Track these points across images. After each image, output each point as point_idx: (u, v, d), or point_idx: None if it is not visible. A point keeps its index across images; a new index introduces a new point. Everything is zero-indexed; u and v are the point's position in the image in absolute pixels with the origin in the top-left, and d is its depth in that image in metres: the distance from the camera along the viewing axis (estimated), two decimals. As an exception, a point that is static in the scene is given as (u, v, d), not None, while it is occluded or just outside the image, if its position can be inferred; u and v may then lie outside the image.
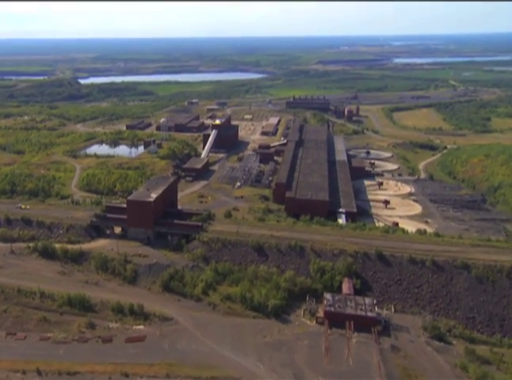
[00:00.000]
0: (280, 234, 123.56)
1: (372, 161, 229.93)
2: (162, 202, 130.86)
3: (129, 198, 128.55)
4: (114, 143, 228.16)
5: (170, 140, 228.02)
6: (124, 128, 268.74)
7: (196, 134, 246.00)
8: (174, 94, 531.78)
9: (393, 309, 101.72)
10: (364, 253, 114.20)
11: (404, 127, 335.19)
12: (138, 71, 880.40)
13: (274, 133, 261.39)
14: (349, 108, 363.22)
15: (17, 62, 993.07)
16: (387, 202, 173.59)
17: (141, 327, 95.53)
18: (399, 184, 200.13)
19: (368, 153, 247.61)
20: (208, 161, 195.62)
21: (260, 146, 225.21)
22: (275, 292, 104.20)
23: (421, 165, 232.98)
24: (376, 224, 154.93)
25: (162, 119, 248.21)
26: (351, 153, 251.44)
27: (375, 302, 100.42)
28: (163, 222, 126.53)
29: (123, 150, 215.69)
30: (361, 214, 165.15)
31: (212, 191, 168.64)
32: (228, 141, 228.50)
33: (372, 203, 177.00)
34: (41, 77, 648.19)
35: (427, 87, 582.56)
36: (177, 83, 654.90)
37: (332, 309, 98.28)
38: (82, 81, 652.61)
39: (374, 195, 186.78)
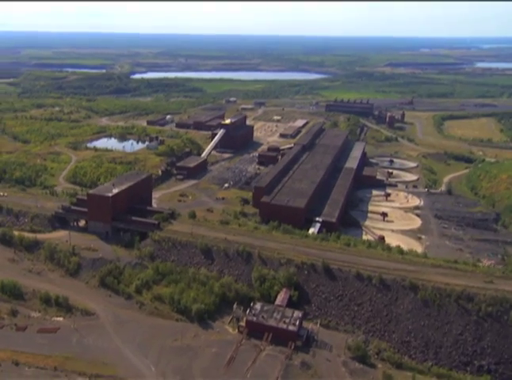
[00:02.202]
0: (235, 239, 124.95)
1: (390, 170, 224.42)
2: (126, 198, 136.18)
3: (90, 192, 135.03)
4: (121, 138, 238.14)
5: (176, 137, 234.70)
6: (145, 124, 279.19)
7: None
8: (223, 92, 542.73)
9: (318, 325, 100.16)
10: (311, 265, 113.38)
11: (449, 136, 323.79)
12: (197, 68, 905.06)
13: (294, 136, 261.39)
14: (391, 113, 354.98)
15: (81, 55, 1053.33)
16: (384, 214, 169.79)
17: (60, 319, 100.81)
18: (410, 196, 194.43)
19: (391, 161, 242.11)
20: (205, 160, 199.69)
21: (269, 149, 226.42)
22: (204, 296, 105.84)
23: (446, 178, 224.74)
24: (364, 237, 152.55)
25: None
26: (374, 161, 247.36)
27: (299, 315, 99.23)
28: (121, 218, 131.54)
29: (126, 145, 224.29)
30: (351, 225, 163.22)
31: (197, 191, 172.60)
32: (237, 141, 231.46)
33: (369, 215, 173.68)
34: (97, 71, 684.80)
35: (500, 95, 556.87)
36: (229, 81, 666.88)
37: (254, 319, 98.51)
38: (138, 76, 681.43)
39: (377, 206, 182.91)
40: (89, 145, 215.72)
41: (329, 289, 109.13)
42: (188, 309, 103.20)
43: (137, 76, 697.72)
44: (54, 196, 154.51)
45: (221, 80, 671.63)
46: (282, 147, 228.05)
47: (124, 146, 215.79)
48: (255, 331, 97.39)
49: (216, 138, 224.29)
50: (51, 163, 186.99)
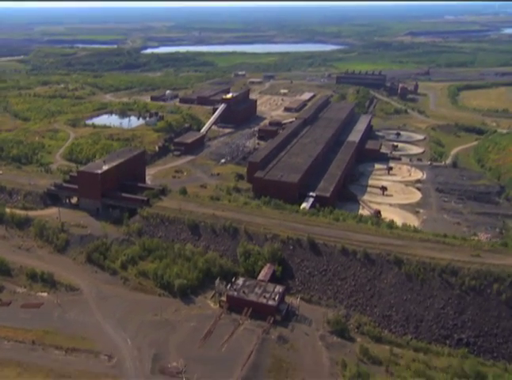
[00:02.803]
0: (223, 214, 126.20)
1: (395, 143, 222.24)
2: (116, 174, 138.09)
3: (80, 169, 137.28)
4: (122, 114, 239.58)
5: (177, 113, 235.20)
6: (149, 99, 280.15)
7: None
8: (234, 66, 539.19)
9: (298, 300, 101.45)
10: (296, 240, 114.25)
11: (463, 107, 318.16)
12: (210, 41, 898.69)
13: (298, 109, 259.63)
14: (402, 85, 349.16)
15: (94, 30, 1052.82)
16: (384, 188, 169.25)
17: (44, 294, 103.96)
18: (413, 169, 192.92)
19: (398, 134, 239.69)
20: (203, 136, 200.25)
21: (270, 123, 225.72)
22: (188, 272, 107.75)
23: (454, 151, 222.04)
24: (360, 211, 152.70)
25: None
26: (380, 134, 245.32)
27: (280, 290, 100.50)
28: (111, 195, 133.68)
29: (126, 122, 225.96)
30: (349, 199, 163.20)
31: (193, 167, 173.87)
32: (239, 116, 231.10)
33: (369, 189, 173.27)
34: (108, 46, 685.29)
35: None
36: (241, 54, 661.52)
37: (235, 294, 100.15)
38: (148, 51, 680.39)
39: (378, 180, 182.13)
40: (88, 122, 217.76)
41: (313, 264, 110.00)
42: (171, 284, 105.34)
43: (148, 51, 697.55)
44: (48, 174, 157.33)
45: (233, 53, 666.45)
46: (284, 121, 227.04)
47: (121, 123, 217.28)
48: (235, 306, 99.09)
49: (216, 113, 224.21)
50: (49, 140, 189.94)
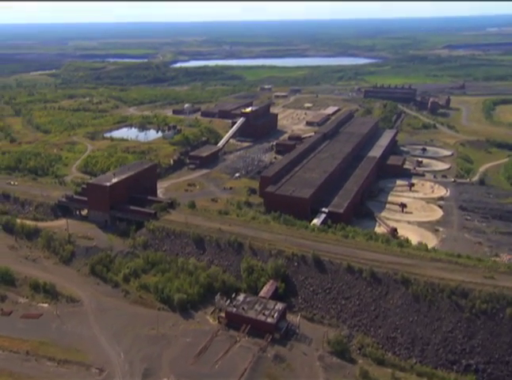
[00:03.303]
0: (229, 229, 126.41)
1: (420, 159, 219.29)
2: (126, 187, 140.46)
3: (89, 181, 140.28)
4: (141, 127, 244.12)
5: (195, 126, 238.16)
6: (171, 113, 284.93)
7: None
8: (262, 79, 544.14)
9: (299, 318, 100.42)
10: (301, 256, 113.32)
11: (497, 122, 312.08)
12: (240, 55, 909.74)
13: (321, 124, 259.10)
14: (433, 99, 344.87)
15: (126, 44, 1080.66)
16: (403, 205, 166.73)
17: (45, 305, 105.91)
18: (436, 186, 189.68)
19: (424, 150, 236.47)
20: (220, 149, 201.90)
21: (290, 137, 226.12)
22: (188, 286, 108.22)
23: (483, 167, 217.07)
24: (377, 228, 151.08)
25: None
26: (405, 149, 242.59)
27: (280, 307, 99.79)
28: (119, 207, 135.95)
29: (144, 135, 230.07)
30: (366, 216, 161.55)
31: (207, 181, 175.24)
32: (258, 130, 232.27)
33: (388, 206, 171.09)
34: (138, 60, 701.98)
35: None
36: (271, 68, 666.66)
37: (234, 310, 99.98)
38: (178, 65, 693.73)
39: (399, 196, 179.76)
40: (106, 135, 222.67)
41: (317, 281, 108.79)
42: (171, 298, 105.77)
43: (179, 65, 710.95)
44: (62, 186, 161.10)
45: (262, 67, 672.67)
46: (304, 136, 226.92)
47: (138, 136, 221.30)
48: (234, 322, 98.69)
49: (235, 127, 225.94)
50: (67, 153, 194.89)
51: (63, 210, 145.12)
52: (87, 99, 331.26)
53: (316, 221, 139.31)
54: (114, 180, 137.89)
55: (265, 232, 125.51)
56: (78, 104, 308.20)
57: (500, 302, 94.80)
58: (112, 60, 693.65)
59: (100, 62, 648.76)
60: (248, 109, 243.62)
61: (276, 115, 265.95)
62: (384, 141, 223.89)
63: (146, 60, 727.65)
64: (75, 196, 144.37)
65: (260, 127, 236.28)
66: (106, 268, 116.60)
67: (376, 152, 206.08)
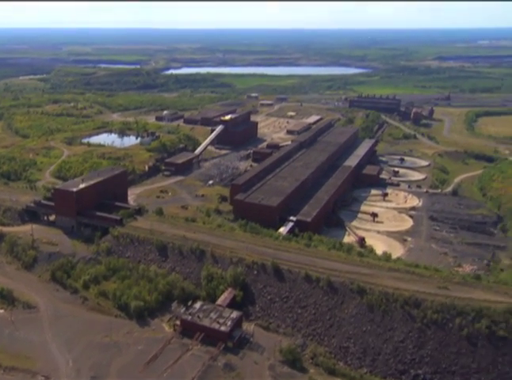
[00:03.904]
0: (194, 236, 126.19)
1: (396, 169, 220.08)
2: (93, 193, 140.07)
3: (56, 187, 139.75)
4: (121, 133, 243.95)
5: (175, 133, 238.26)
6: (153, 120, 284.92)
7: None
8: (252, 87, 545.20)
9: (253, 327, 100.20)
10: (261, 265, 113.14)
11: (478, 134, 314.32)
12: (233, 63, 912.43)
13: (301, 132, 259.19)
14: (415, 110, 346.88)
15: (120, 50, 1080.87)
16: (374, 215, 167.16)
17: (1, 311, 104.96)
18: (410, 196, 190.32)
19: (402, 160, 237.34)
20: (196, 156, 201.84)
21: (268, 146, 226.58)
22: (147, 293, 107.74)
23: (458, 178, 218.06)
24: (346, 237, 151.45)
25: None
26: (384, 159, 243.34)
27: (235, 316, 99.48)
28: (85, 213, 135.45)
29: (124, 141, 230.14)
30: (336, 225, 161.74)
31: (180, 188, 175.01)
32: (236, 137, 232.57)
33: (360, 215, 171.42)
34: (130, 66, 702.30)
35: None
36: (262, 76, 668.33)
37: (189, 318, 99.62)
38: (168, 72, 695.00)
39: (372, 206, 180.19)
40: (85, 140, 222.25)
41: (276, 290, 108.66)
42: (128, 305, 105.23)
43: (171, 71, 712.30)
44: (33, 191, 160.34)
45: (253, 75, 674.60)
46: (282, 144, 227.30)
47: (113, 142, 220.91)
48: (189, 330, 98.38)
49: (213, 134, 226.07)
50: (42, 158, 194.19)
51: (30, 215, 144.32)
52: (72, 104, 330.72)
53: (283, 229, 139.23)
54: (81, 186, 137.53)
55: (228, 240, 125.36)
56: (61, 110, 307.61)
57: (451, 312, 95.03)
58: (103, 66, 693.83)
59: (90, 67, 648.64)
60: (227, 117, 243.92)
61: (256, 123, 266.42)
62: (361, 150, 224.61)
63: (138, 66, 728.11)
64: (43, 201, 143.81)
65: (239, 134, 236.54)
66: (67, 275, 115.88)
67: (352, 161, 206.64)
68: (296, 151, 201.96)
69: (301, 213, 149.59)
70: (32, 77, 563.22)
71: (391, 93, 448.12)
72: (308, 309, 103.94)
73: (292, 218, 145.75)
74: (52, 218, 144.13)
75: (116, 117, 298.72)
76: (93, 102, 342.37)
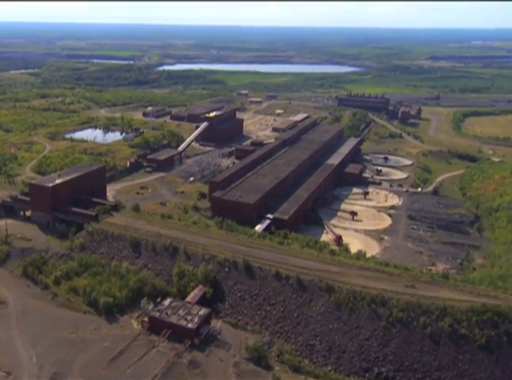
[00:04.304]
0: (168, 233, 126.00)
1: (379, 168, 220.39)
2: (70, 188, 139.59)
3: (32, 182, 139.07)
4: (106, 129, 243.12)
5: (159, 129, 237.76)
6: (140, 116, 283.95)
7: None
8: (244, 85, 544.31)
9: (220, 324, 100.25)
10: (233, 262, 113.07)
11: (464, 134, 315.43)
12: (227, 60, 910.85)
13: (286, 130, 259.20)
14: (403, 109, 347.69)
15: (114, 46, 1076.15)
16: (354, 213, 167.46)
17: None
18: (390, 195, 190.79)
19: (386, 159, 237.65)
20: (178, 153, 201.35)
21: (252, 143, 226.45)
22: (117, 290, 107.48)
23: (440, 178, 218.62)
24: (324, 236, 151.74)
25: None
26: (368, 157, 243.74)
27: (203, 313, 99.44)
28: (61, 209, 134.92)
29: (108, 136, 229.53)
30: (315, 223, 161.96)
31: (161, 184, 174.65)
32: (221, 134, 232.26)
33: (339, 213, 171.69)
34: (123, 62, 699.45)
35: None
36: (255, 73, 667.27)
37: (157, 314, 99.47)
38: (161, 68, 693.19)
39: (352, 204, 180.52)
40: (68, 135, 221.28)
41: (246, 287, 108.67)
42: (98, 302, 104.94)
43: (164, 67, 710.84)
44: (11, 185, 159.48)
45: (246, 72, 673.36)
46: (266, 141, 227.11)
47: (95, 138, 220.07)
48: (156, 327, 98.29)
49: (197, 131, 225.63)
50: (24, 152, 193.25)
51: (7, 210, 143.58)
52: (59, 99, 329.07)
53: (259, 227, 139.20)
54: (57, 181, 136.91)
55: (202, 237, 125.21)
56: (49, 104, 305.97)
57: (416, 310, 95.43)
58: (96, 61, 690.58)
59: (82, 62, 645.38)
60: (212, 114, 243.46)
61: (241, 120, 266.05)
62: (345, 149, 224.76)
63: (131, 62, 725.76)
64: (19, 197, 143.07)
65: (223, 131, 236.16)
66: (38, 270, 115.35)
67: (335, 160, 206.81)
68: (278, 149, 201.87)
69: (279, 211, 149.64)
70: (23, 71, 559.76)
71: (381, 91, 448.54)
72: (277, 306, 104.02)
73: (269, 215, 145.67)
74: (29, 213, 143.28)
75: (103, 113, 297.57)
76: (81, 97, 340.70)
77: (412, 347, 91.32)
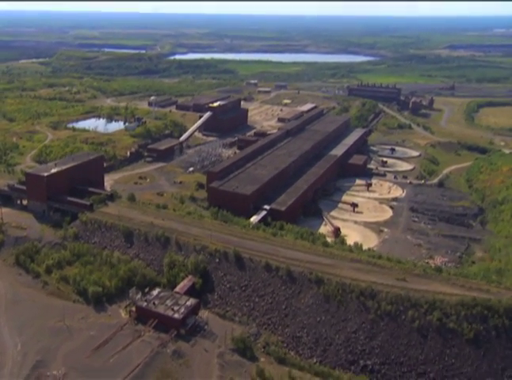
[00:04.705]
0: (161, 223, 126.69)
1: (385, 159, 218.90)
2: (66, 178, 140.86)
3: (28, 171, 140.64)
4: (109, 118, 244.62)
5: (162, 119, 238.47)
6: (146, 105, 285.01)
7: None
8: (255, 74, 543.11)
9: (206, 314, 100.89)
10: (223, 253, 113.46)
11: (476, 125, 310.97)
12: (240, 49, 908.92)
13: (292, 120, 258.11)
14: (414, 99, 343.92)
15: (127, 35, 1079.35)
16: (355, 205, 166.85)
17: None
18: (394, 187, 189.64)
19: (392, 150, 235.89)
20: (179, 143, 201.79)
21: (255, 133, 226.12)
22: (106, 279, 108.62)
23: (447, 169, 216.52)
24: (322, 227, 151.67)
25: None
26: (374, 148, 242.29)
27: (190, 303, 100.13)
28: (57, 198, 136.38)
29: (111, 126, 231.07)
30: (314, 215, 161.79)
31: (160, 174, 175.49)
32: (224, 124, 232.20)
33: (340, 205, 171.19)
34: (134, 51, 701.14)
35: None
36: (267, 63, 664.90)
37: (144, 304, 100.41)
38: (174, 57, 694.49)
39: (354, 196, 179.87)
40: (70, 125, 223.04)
41: (235, 278, 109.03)
42: (87, 291, 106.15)
43: (176, 57, 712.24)
44: (11, 174, 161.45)
45: (258, 62, 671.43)
46: (269, 132, 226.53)
47: (96, 127, 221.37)
48: (143, 316, 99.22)
49: (200, 121, 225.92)
50: (26, 142, 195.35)
51: (5, 199, 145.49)
52: (66, 88, 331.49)
53: (254, 218, 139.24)
54: (53, 171, 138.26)
55: (196, 227, 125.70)
56: (55, 94, 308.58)
57: (404, 303, 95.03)
58: (106, 50, 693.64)
59: (92, 51, 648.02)
60: (216, 104, 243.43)
61: (246, 110, 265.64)
62: (350, 140, 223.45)
63: (143, 51, 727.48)
64: (16, 185, 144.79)
65: (227, 121, 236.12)
66: (30, 259, 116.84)
67: (339, 150, 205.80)
68: (281, 139, 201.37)
69: (276, 202, 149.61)
70: (34, 60, 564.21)
71: (395, 81, 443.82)
72: (266, 298, 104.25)
73: (265, 206, 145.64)
74: (26, 202, 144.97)
75: (109, 102, 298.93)
76: (88, 86, 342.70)
77: (399, 341, 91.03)
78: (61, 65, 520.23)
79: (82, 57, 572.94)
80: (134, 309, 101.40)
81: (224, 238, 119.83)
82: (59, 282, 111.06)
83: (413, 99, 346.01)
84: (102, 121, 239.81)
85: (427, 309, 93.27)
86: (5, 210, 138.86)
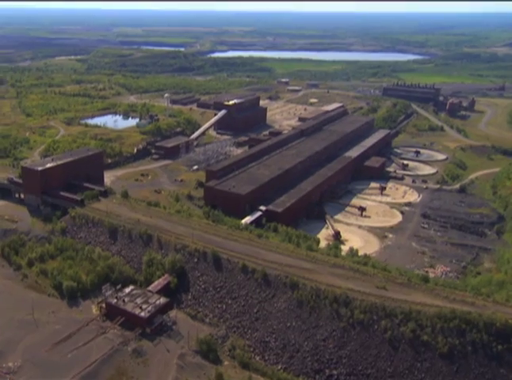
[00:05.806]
0: (148, 220, 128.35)
1: (406, 162, 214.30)
2: (62, 173, 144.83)
3: (23, 165, 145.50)
4: (126, 115, 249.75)
5: (177, 116, 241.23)
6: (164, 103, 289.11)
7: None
8: (293, 72, 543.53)
9: (174, 314, 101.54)
10: (203, 253, 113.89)
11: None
12: (282, 47, 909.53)
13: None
14: (452, 100, 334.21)
15: (169, 32, 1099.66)
16: (362, 209, 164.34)
17: None
18: (410, 191, 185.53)
19: (417, 152, 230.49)
20: (188, 141, 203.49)
21: (270, 132, 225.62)
22: (82, 274, 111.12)
23: (474, 174, 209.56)
24: (324, 230, 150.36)
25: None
26: (398, 151, 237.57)
27: (159, 302, 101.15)
28: (50, 193, 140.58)
29: (126, 123, 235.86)
30: (318, 217, 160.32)
31: (163, 172, 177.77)
32: (239, 123, 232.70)
33: (347, 208, 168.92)
34: (173, 48, 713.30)
35: None
36: (307, 61, 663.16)
37: (114, 301, 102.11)
38: (212, 55, 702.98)
39: (364, 199, 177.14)
40: (84, 121, 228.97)
41: (211, 279, 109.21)
42: (62, 285, 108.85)
43: (216, 55, 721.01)
44: (15, 168, 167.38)
45: (298, 60, 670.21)
46: (284, 131, 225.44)
47: (105, 123, 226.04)
48: (112, 313, 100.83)
49: (213, 119, 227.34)
50: (38, 137, 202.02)
51: (4, 192, 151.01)
52: (93, 85, 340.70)
53: (247, 219, 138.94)
54: (48, 165, 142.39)
55: (181, 226, 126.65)
56: (80, 90, 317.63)
57: (379, 313, 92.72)
58: (144, 48, 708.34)
59: (130, 49, 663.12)
60: (231, 102, 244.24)
61: (265, 108, 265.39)
62: (370, 141, 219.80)
63: (181, 49, 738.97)
64: (15, 179, 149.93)
65: (242, 120, 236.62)
66: (15, 252, 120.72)
67: (355, 152, 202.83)
68: (293, 139, 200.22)
69: (274, 203, 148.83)
70: (71, 57, 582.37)
71: (441, 81, 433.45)
72: (239, 300, 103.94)
73: (261, 207, 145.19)
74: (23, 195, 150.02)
75: (132, 99, 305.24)
76: (115, 83, 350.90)
77: (369, 351, 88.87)
78: (96, 62, 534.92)
79: (118, 54, 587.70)
80: (104, 305, 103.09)
81: (207, 238, 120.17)
82: (38, 275, 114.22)
83: (451, 100, 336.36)
84: (118, 118, 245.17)
85: (402, 319, 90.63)
86: (3, 203, 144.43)
